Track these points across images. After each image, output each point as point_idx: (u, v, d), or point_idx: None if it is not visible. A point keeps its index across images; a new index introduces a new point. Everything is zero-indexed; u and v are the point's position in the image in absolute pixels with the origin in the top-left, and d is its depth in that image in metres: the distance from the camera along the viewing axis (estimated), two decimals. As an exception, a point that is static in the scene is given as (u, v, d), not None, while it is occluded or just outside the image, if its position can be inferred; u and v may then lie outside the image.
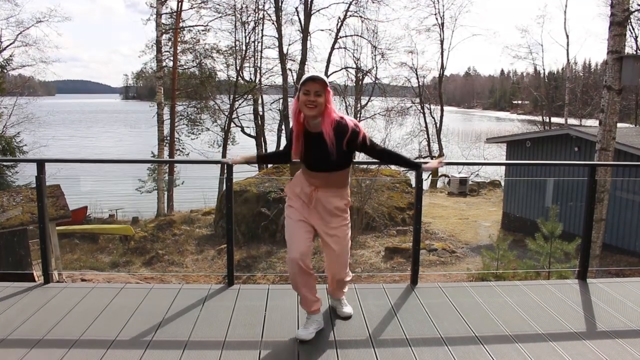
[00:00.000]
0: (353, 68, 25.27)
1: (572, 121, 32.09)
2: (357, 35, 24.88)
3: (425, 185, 27.85)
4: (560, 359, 3.05)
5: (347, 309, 3.65)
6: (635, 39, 27.49)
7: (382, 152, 3.25)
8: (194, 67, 27.52)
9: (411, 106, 32.31)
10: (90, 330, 3.40)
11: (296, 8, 20.99)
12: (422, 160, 3.35)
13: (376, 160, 3.33)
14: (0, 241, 9.73)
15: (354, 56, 25.01)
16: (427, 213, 19.75)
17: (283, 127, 21.53)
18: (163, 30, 24.64)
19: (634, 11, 19.76)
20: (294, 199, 3.33)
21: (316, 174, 3.20)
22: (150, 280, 13.39)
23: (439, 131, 32.71)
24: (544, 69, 38.84)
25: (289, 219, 3.30)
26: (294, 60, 23.66)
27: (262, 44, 26.97)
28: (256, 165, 25.95)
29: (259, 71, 27.13)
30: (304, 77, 3.07)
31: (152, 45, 25.26)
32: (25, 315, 3.61)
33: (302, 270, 3.15)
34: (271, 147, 28.18)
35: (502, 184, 24.74)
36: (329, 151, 3.05)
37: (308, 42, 19.87)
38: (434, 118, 32.87)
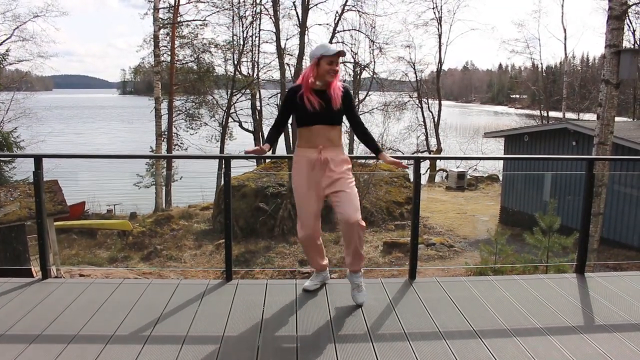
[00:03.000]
0: (351, 62, 25.22)
1: (570, 115, 32.13)
2: (355, 29, 24.84)
3: (423, 179, 27.87)
4: (558, 353, 3.06)
5: (361, 297, 3.72)
6: (633, 32, 27.47)
7: (359, 124, 3.77)
8: (191, 61, 27.43)
9: (409, 100, 32.29)
10: (88, 325, 3.40)
11: (294, 2, 20.92)
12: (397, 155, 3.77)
13: (373, 155, 3.81)
14: (-2, 237, 9.71)
15: (351, 50, 24.95)
16: (425, 207, 19.76)
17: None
18: (161, 25, 24.54)
19: (632, 5, 19.75)
20: (299, 175, 3.65)
21: (318, 130, 3.55)
22: (149, 275, 13.39)
23: (436, 125, 32.70)
24: (541, 63, 38.79)
25: (300, 196, 3.66)
26: (291, 55, 23.61)
27: (259, 39, 26.93)
28: (254, 160, 26.01)
29: (256, 66, 27.08)
30: (332, 49, 3.51)
31: (149, 40, 25.19)
32: (23, 310, 3.61)
33: (313, 242, 3.77)
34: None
35: (500, 178, 24.77)
36: (332, 103, 3.54)
37: (306, 36, 19.81)
38: (431, 112, 32.85)
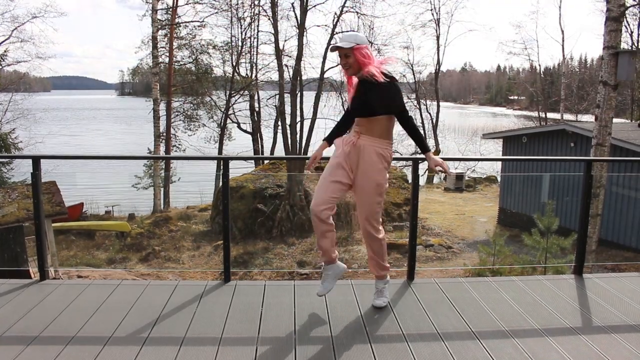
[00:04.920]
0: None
1: (568, 117, 32.13)
2: (354, 31, 24.81)
3: (422, 181, 27.88)
4: (556, 354, 3.06)
5: (379, 301, 3.70)
6: (631, 34, 27.56)
7: (405, 119, 3.44)
8: (190, 63, 27.42)
9: (407, 102, 32.30)
10: (86, 327, 3.39)
11: (292, 4, 20.83)
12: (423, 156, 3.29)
13: None
14: (-4, 238, 9.70)
15: (350, 51, 24.93)
16: (424, 209, 19.76)
17: (279, 123, 21.48)
18: (159, 26, 24.53)
19: (630, 7, 19.79)
20: (336, 158, 3.50)
21: (357, 121, 3.46)
22: (147, 276, 13.38)
23: (435, 127, 32.72)
24: (539, 65, 38.94)
25: (324, 176, 3.49)
26: (290, 56, 23.58)
27: (258, 40, 26.87)
28: (253, 161, 25.99)
29: (255, 67, 27.03)
30: (330, 47, 3.50)
31: (147, 41, 25.16)
32: (21, 312, 3.60)
33: (320, 220, 3.41)
34: (268, 143, 28.13)
35: (499, 179, 24.77)
36: (360, 98, 3.38)
37: (304, 38, 19.73)
38: (430, 114, 32.88)
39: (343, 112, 3.79)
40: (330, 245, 3.55)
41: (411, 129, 3.45)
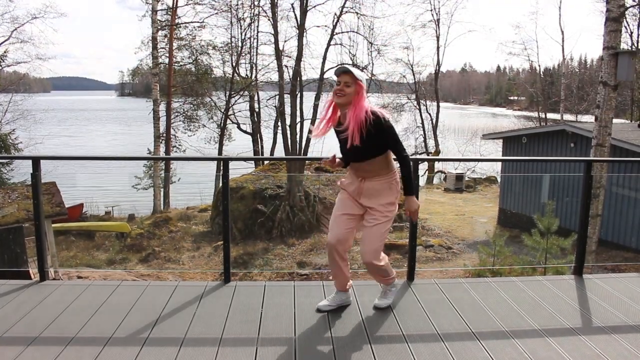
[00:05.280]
0: (349, 64, 25.23)
1: (568, 117, 32.13)
2: (353, 31, 24.80)
3: (422, 181, 27.88)
4: (556, 355, 3.06)
5: (381, 302, 3.71)
6: (631, 35, 27.56)
7: (399, 158, 3.39)
8: (189, 63, 27.42)
9: (407, 102, 32.32)
10: (86, 327, 3.39)
11: (292, 4, 20.81)
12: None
13: None
14: (-5, 239, 9.70)
15: (350, 52, 24.93)
16: (424, 209, 19.75)
17: (279, 123, 21.48)
18: (159, 27, 24.54)
19: (630, 7, 19.80)
20: (344, 193, 3.55)
21: (352, 164, 3.45)
22: (147, 277, 13.37)
23: (435, 127, 32.71)
24: (539, 65, 38.91)
25: (335, 211, 3.53)
26: (290, 57, 23.58)
27: (257, 41, 26.87)
28: (253, 162, 25.98)
29: (254, 67, 27.02)
30: (336, 68, 3.32)
31: (147, 42, 25.16)
32: (21, 312, 3.60)
33: (337, 254, 3.46)
34: (267, 144, 28.14)
35: (499, 180, 24.77)
36: (351, 144, 3.21)
37: (304, 38, 19.73)
38: (430, 114, 32.87)
39: None
40: (344, 277, 3.60)
41: (406, 166, 3.38)
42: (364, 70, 26.47)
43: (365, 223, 3.45)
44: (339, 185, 3.62)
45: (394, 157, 3.44)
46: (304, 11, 19.73)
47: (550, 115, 35.79)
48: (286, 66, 21.85)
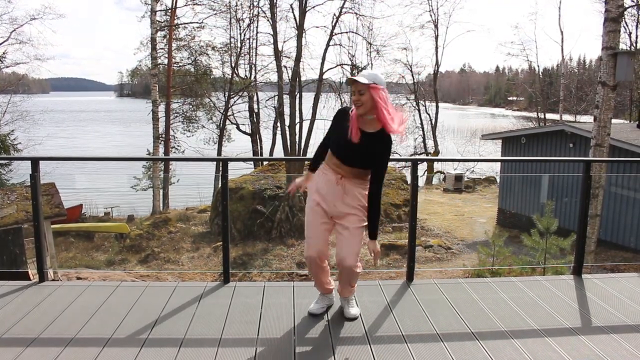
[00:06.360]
0: (348, 65, 25.20)
1: (567, 117, 32.16)
2: (352, 31, 24.82)
3: (421, 181, 27.88)
4: (556, 355, 3.06)
5: (354, 310, 3.59)
6: (630, 35, 27.59)
7: (376, 186, 3.29)
8: (189, 64, 27.44)
9: (406, 103, 32.30)
10: (85, 328, 3.39)
11: (291, 5, 20.83)
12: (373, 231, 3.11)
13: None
14: (-5, 240, 9.70)
15: (349, 53, 24.97)
16: (423, 210, 19.77)
17: (278, 124, 21.51)
18: (158, 28, 24.53)
19: (628, 7, 19.81)
20: (315, 194, 3.41)
21: (344, 167, 3.27)
22: (146, 278, 13.37)
23: (434, 128, 32.71)
24: (538, 66, 38.88)
25: (312, 220, 3.40)
26: (289, 57, 23.60)
27: (257, 41, 26.88)
28: (252, 162, 25.99)
29: (254, 68, 27.04)
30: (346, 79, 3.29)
31: (146, 43, 25.17)
32: (20, 313, 3.60)
33: (318, 265, 3.44)
34: (267, 144, 28.14)
35: (498, 180, 24.80)
36: (360, 151, 3.18)
37: (303, 39, 19.75)
38: (429, 115, 32.85)
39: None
40: (328, 281, 3.59)
41: (376, 195, 3.29)
42: (363, 70, 26.44)
43: (346, 224, 3.33)
44: (303, 188, 3.51)
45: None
46: (303, 12, 19.74)
47: (549, 116, 35.81)
48: (285, 67, 21.87)
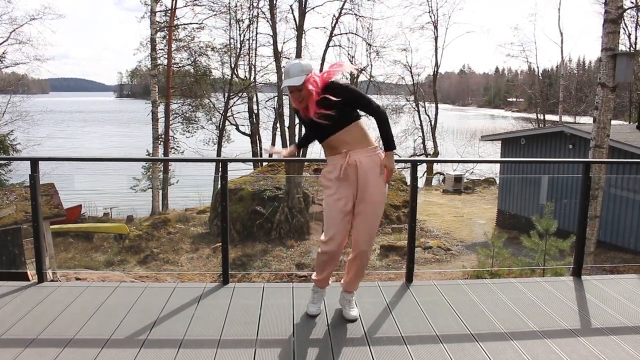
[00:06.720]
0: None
1: (566, 118, 32.17)
2: (352, 32, 24.87)
3: (420, 183, 27.88)
4: (555, 356, 3.06)
5: (354, 311, 3.57)
6: (629, 36, 27.60)
7: (370, 113, 3.26)
8: (188, 65, 27.44)
9: (406, 104, 32.34)
10: (84, 329, 3.38)
11: (291, 6, 20.88)
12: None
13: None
14: (-6, 240, 9.69)
15: (348, 54, 25.02)
16: (422, 211, 19.78)
17: (278, 124, 21.52)
18: (157, 28, 24.54)
19: (628, 9, 19.83)
20: (329, 183, 3.36)
21: (329, 141, 3.27)
22: (145, 278, 13.36)
23: (433, 129, 32.71)
24: (537, 67, 38.99)
25: (331, 210, 3.33)
26: (288, 58, 23.60)
27: (256, 42, 26.91)
28: (251, 163, 25.99)
29: (253, 69, 27.06)
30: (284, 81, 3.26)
31: (146, 43, 25.18)
32: (19, 314, 3.59)
33: (335, 260, 3.41)
34: (266, 145, 28.18)
35: (497, 181, 24.81)
36: (327, 117, 3.16)
37: (303, 40, 19.78)
38: (428, 116, 32.87)
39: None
40: (331, 272, 3.57)
41: (380, 119, 3.25)
42: (363, 71, 26.43)
43: (367, 198, 3.28)
44: (323, 181, 3.41)
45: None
46: (302, 13, 19.76)
47: (548, 117, 35.82)
48: (285, 67, 21.88)
